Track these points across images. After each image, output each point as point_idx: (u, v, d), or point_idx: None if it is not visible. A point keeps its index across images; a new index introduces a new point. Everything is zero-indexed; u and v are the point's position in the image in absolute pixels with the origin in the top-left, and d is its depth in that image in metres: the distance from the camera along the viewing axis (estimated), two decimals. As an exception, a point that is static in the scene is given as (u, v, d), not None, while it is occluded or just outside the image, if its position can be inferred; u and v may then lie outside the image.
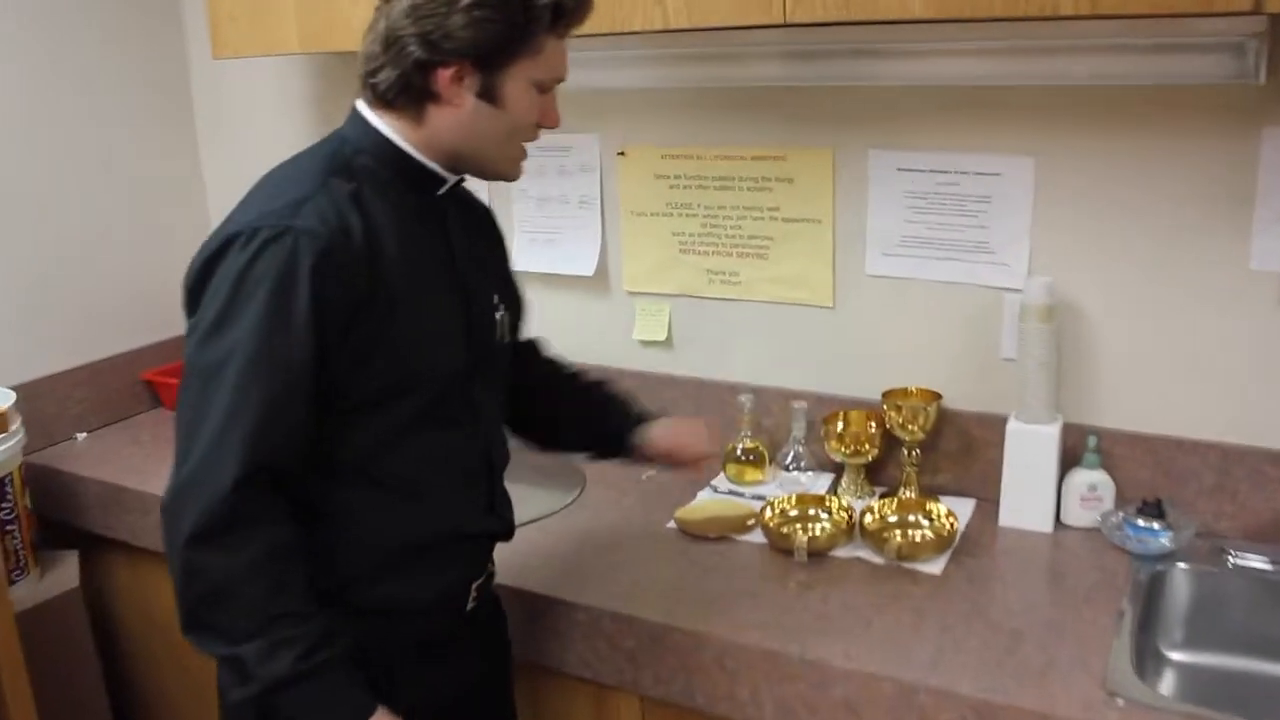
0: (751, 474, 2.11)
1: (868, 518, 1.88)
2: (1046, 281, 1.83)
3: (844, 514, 1.92)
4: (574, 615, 1.76)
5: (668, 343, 2.29)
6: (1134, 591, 1.70)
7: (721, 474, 2.15)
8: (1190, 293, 1.80)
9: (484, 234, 1.61)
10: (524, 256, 2.39)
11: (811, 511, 1.95)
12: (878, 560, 1.80)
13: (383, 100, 1.36)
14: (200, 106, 2.77)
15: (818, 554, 1.83)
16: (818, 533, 1.90)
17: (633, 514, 2.04)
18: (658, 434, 1.71)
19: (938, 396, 1.99)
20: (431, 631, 1.51)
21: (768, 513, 1.91)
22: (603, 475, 2.21)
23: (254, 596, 1.25)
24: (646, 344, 2.31)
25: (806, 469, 2.07)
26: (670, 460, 1.73)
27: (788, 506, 1.95)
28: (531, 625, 1.80)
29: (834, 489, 2.06)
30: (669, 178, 2.19)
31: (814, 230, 2.07)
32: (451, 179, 1.43)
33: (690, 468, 1.74)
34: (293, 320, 1.25)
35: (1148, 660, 1.73)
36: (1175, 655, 1.76)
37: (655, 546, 1.91)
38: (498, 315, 1.55)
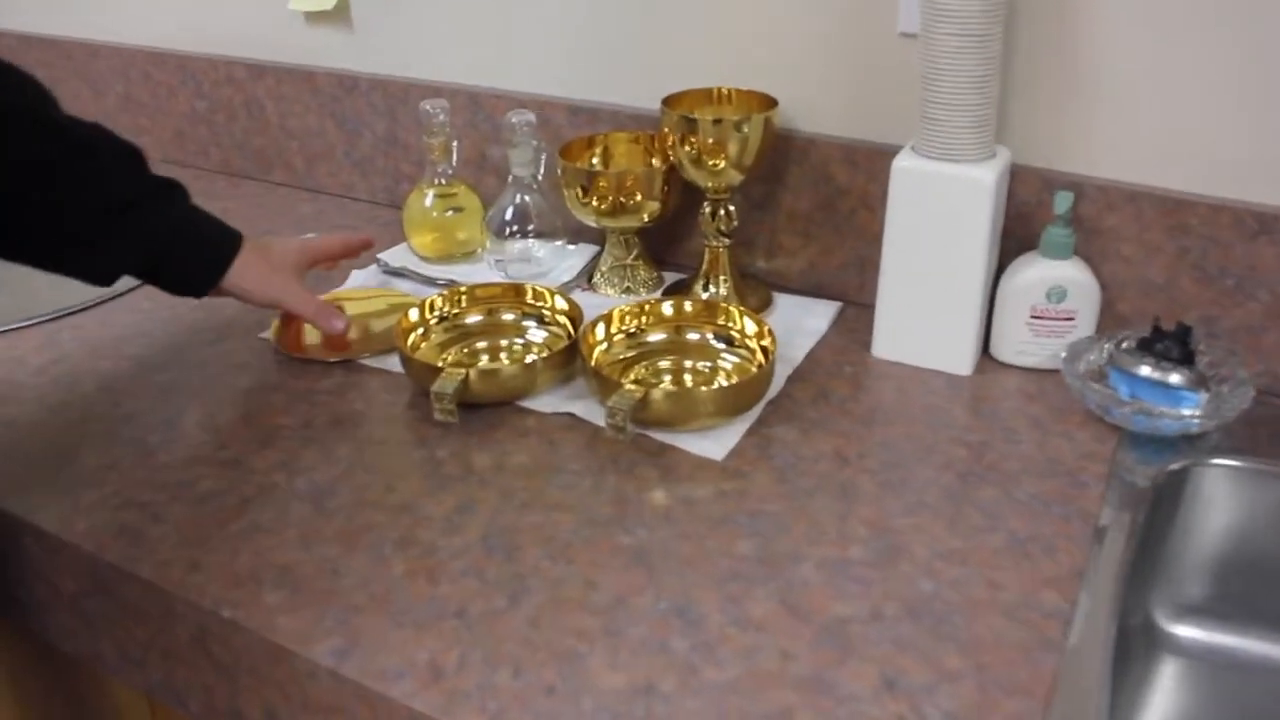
0: (452, 241, 1.11)
1: (599, 338, 0.90)
2: None
3: (563, 326, 0.93)
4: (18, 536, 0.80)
5: (341, 14, 1.23)
6: (1121, 510, 0.74)
7: (405, 245, 1.14)
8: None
9: None
10: None
11: (509, 318, 0.96)
12: (602, 423, 0.82)
13: None
14: None
15: (493, 405, 0.85)
16: (502, 360, 0.92)
17: (229, 310, 1.04)
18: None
19: (770, 104, 0.97)
20: None
21: (413, 318, 0.92)
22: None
23: None
24: (312, 18, 1.26)
25: (546, 235, 1.06)
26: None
27: (459, 310, 0.96)
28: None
29: (590, 275, 1.06)
30: None
31: None
32: None
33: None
34: None
35: (1134, 650, 0.80)
36: (1184, 631, 0.83)
37: (223, 379, 0.93)
38: None
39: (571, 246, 1.08)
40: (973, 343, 0.90)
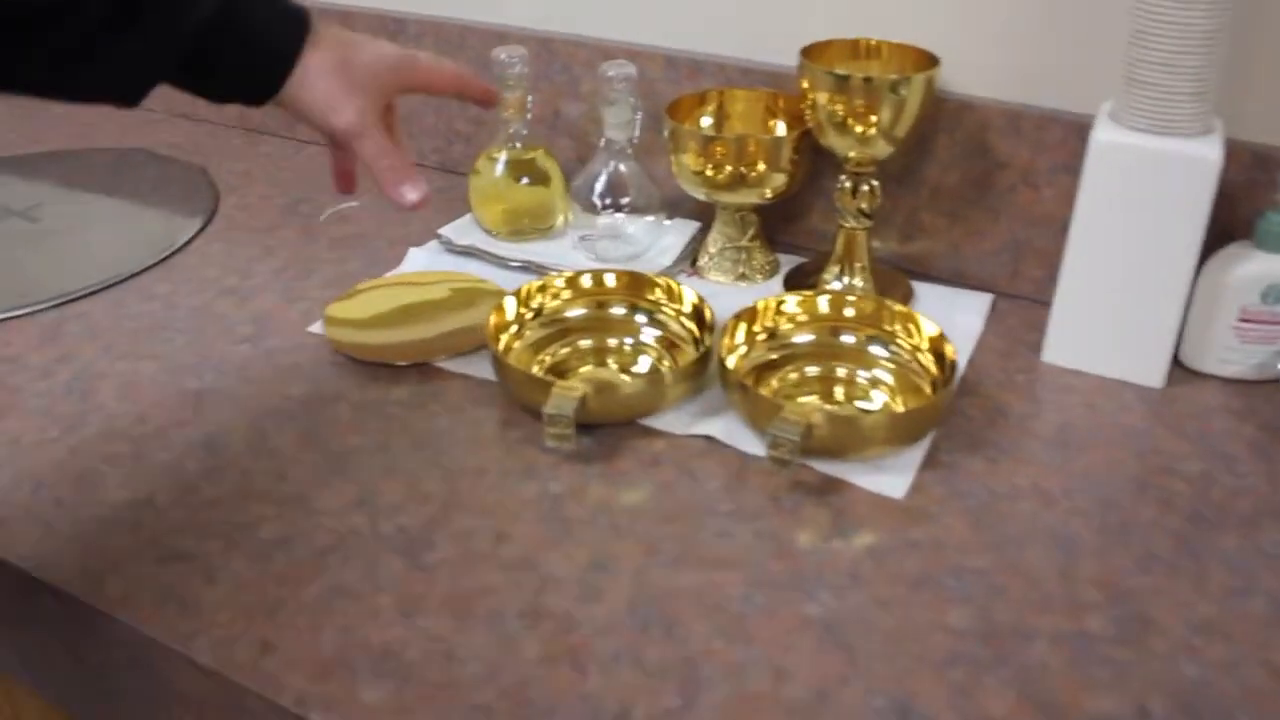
0: (527, 215, 0.94)
1: (739, 340, 0.74)
2: None
3: (689, 328, 0.77)
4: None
5: (386, -58, 1.06)
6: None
7: (469, 216, 0.97)
8: None
9: None
10: None
11: (619, 313, 0.80)
12: (757, 451, 0.67)
13: None
14: None
15: (614, 424, 0.70)
16: (610, 365, 0.76)
17: (265, 296, 0.88)
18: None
19: (932, 62, 0.80)
20: None
21: (508, 314, 0.76)
22: (246, 200, 1.04)
23: None
24: (350, -54, 1.08)
25: (641, 210, 0.90)
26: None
27: (559, 303, 0.80)
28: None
29: (692, 258, 0.90)
30: None
31: None
32: None
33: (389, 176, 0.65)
34: None
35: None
36: None
37: (271, 386, 0.76)
38: None
39: (668, 222, 0.92)
40: (1169, 349, 0.75)
